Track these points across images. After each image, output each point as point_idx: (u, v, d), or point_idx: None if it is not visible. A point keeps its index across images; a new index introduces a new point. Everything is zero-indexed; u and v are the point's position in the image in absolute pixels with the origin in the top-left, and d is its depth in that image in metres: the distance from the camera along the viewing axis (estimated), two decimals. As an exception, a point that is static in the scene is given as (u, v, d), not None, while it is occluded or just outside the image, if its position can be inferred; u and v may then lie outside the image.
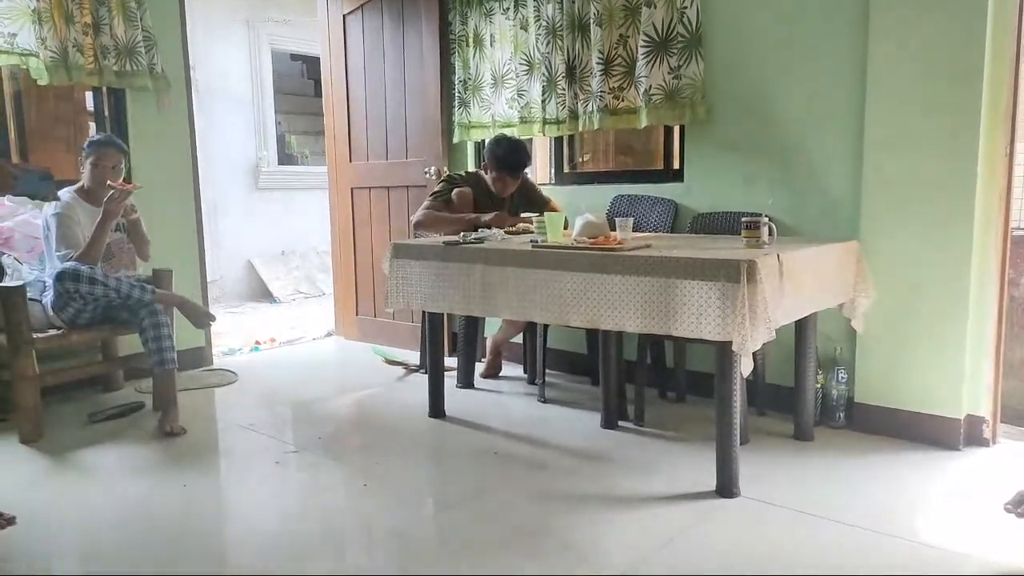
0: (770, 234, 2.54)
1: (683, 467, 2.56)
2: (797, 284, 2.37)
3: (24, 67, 3.25)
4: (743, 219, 2.51)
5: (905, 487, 2.40)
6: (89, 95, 4.16)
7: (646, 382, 3.07)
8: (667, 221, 3.37)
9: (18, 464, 2.71)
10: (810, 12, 2.92)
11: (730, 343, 2.16)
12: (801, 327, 2.75)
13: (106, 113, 3.75)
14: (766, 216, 2.54)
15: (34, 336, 2.90)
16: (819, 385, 2.91)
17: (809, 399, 2.81)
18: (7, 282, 2.95)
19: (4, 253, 3.17)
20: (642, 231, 3.29)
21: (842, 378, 2.90)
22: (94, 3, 3.42)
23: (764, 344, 2.21)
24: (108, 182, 3.02)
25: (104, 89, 3.67)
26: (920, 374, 2.74)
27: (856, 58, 2.80)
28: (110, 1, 3.45)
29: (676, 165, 3.48)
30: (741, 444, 2.43)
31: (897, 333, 2.77)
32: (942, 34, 2.57)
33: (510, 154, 3.40)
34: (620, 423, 3.01)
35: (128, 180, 3.40)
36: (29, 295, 2.93)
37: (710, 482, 2.36)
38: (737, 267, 2.14)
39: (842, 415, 2.92)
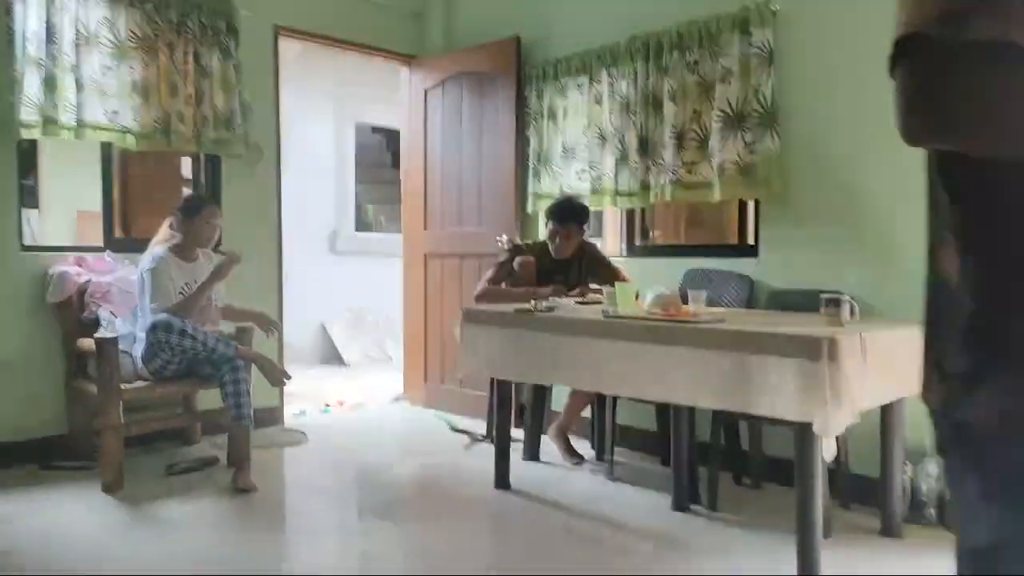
0: (852, 313, 2.46)
1: (760, 558, 2.43)
2: (881, 366, 2.28)
3: (123, 143, 3.50)
4: (823, 296, 2.44)
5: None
6: (187, 162, 4.45)
7: (720, 465, 2.97)
8: (742, 297, 3.31)
9: (99, 512, 2.80)
10: (890, 86, 2.88)
11: (810, 424, 2.08)
12: (887, 413, 2.62)
13: (202, 179, 3.98)
14: (848, 295, 2.46)
15: (122, 386, 3.02)
16: (908, 477, 2.75)
17: (896, 492, 2.64)
18: (102, 333, 3.10)
19: (101, 307, 3.35)
20: (716, 306, 3.24)
21: (932, 471, 2.73)
22: (197, 76, 3.68)
23: (847, 429, 2.12)
24: (221, 248, 3.20)
25: (201, 156, 3.91)
26: (1019, 469, 2.55)
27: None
28: (212, 74, 3.72)
29: (751, 240, 3.45)
30: (824, 537, 2.30)
31: (992, 423, 2.61)
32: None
33: (559, 204, 3.44)
34: (692, 506, 2.89)
35: (217, 243, 3.59)
36: (121, 347, 3.07)
37: (791, 572, 2.23)
38: (818, 344, 2.07)
39: (933, 511, 2.73)
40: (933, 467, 2.73)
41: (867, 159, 2.97)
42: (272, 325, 3.42)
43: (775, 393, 2.15)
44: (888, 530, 2.64)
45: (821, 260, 3.10)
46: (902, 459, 2.67)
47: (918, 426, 2.77)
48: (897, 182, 2.89)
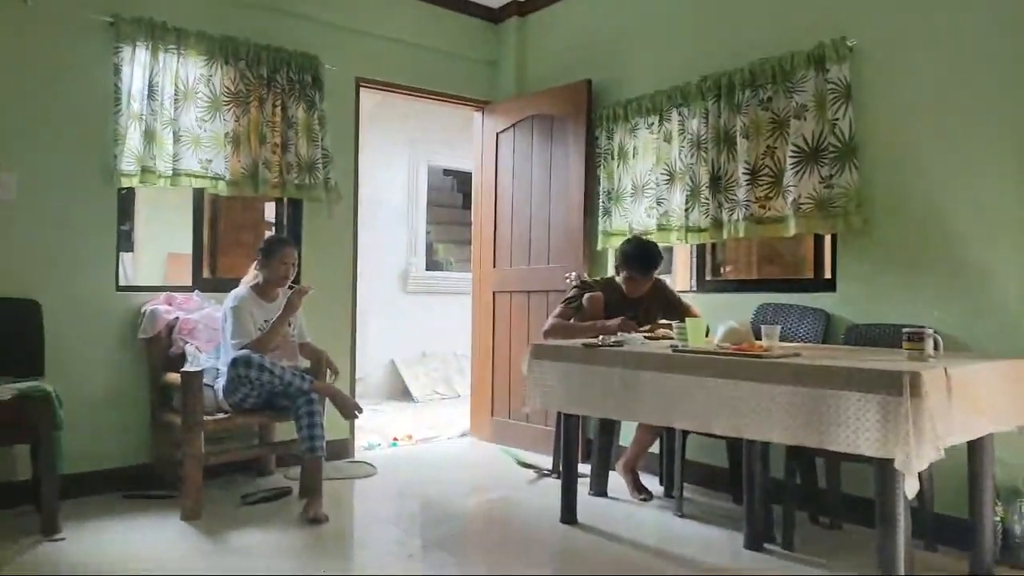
0: (936, 347, 2.37)
1: (840, 600, 2.33)
2: (968, 401, 2.18)
3: (214, 190, 3.73)
4: (905, 330, 2.37)
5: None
6: (270, 206, 4.68)
7: (796, 502, 2.87)
8: (818, 332, 3.23)
9: (178, 539, 2.90)
10: (974, 118, 2.82)
11: (892, 460, 2.00)
12: (975, 451, 2.49)
13: (284, 221, 4.18)
14: (931, 329, 2.38)
15: (204, 418, 3.16)
16: (999, 519, 2.59)
17: (987, 534, 2.49)
18: (187, 367, 3.27)
19: (188, 342, 3.53)
20: (790, 341, 3.16)
21: (1027, 513, 2.58)
22: (283, 125, 3.90)
23: (932, 466, 2.03)
24: (288, 282, 3.35)
25: (284, 200, 4.12)
26: None
27: (1026, 165, 2.66)
28: (297, 124, 3.93)
29: (827, 274, 3.37)
30: (907, 579, 2.19)
31: (1094, 465, 2.45)
32: None
33: (637, 251, 3.43)
34: (766, 545, 2.80)
35: (297, 281, 3.75)
36: (204, 381, 3.22)
37: (872, 619, 2.13)
38: (900, 378, 2.00)
39: (1029, 556, 2.57)
40: (1029, 510, 2.57)
41: (949, 192, 2.89)
42: (329, 367, 3.53)
43: (854, 428, 2.08)
44: (978, 573, 2.48)
45: (903, 295, 3.01)
46: (992, 498, 2.52)
47: (1009, 464, 2.64)
48: (981, 216, 2.80)
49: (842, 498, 3.02)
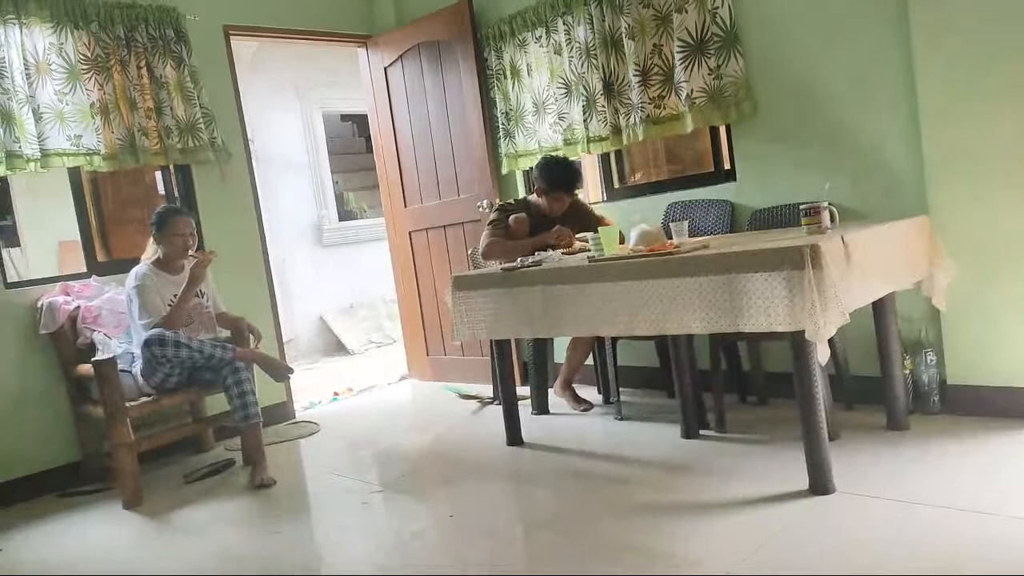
0: (832, 220, 2.46)
1: (773, 469, 2.47)
2: (866, 265, 2.29)
3: (90, 167, 3.48)
4: (801, 207, 2.45)
5: (1016, 466, 2.25)
6: (159, 177, 4.43)
7: (724, 388, 3.00)
8: (725, 222, 3.32)
9: (123, 528, 2.84)
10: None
11: (803, 332, 2.10)
12: (879, 311, 2.64)
13: (175, 190, 3.97)
14: (826, 202, 2.47)
15: (127, 404, 3.05)
16: (908, 371, 2.78)
17: (899, 386, 2.68)
18: (99, 356, 3.12)
19: (95, 331, 3.36)
20: (700, 235, 3.24)
21: (931, 361, 2.77)
22: (153, 87, 3.65)
23: (843, 333, 2.14)
24: (190, 252, 3.20)
25: (171, 168, 3.89)
26: (1014, 347, 2.59)
27: (898, 27, 2.73)
28: (168, 84, 3.68)
29: (727, 165, 3.44)
30: (831, 440, 2.35)
31: (984, 307, 2.64)
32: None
33: (563, 172, 3.42)
34: (702, 432, 2.93)
35: (201, 249, 3.59)
36: (120, 367, 3.09)
37: (804, 482, 2.26)
38: (800, 253, 2.08)
39: (936, 400, 2.78)
40: (931, 357, 2.76)
41: (825, 63, 2.96)
42: (252, 332, 3.43)
43: (766, 308, 2.17)
44: (894, 424, 2.68)
45: (797, 174, 3.11)
46: (899, 353, 2.69)
47: (911, 320, 2.81)
48: (861, 84, 2.88)
49: (765, 376, 3.18)
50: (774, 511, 2.16)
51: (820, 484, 2.22)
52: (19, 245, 4.94)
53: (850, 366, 2.93)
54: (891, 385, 2.68)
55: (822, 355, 2.14)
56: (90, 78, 3.46)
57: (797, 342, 2.17)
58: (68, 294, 3.44)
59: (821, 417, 2.21)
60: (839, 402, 2.89)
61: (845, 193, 2.95)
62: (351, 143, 8.24)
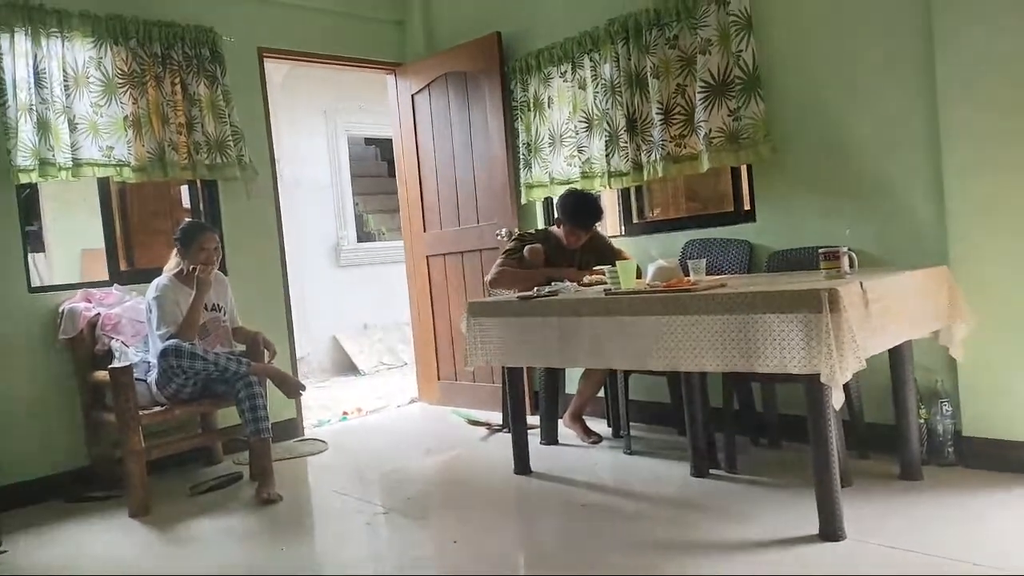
0: (851, 264, 2.47)
1: (784, 513, 2.45)
2: (885, 312, 2.29)
3: (119, 178, 3.55)
4: (820, 251, 2.46)
5: (1031, 523, 2.22)
6: (184, 191, 4.51)
7: (736, 428, 2.98)
8: (743, 262, 3.32)
9: (129, 537, 2.84)
10: (869, 39, 2.91)
11: (818, 375, 2.09)
12: (896, 359, 2.63)
13: (201, 205, 4.03)
14: (845, 247, 2.47)
15: (140, 413, 3.07)
16: (923, 421, 2.75)
17: (913, 436, 2.65)
18: (115, 364, 3.15)
19: (113, 338, 3.40)
20: (718, 273, 3.25)
21: (947, 411, 2.74)
22: (186, 104, 3.74)
23: (859, 379, 2.13)
24: (191, 265, 3.24)
25: (198, 183, 3.96)
26: (1033, 401, 2.56)
27: (924, 79, 2.75)
28: (200, 101, 3.77)
29: (747, 206, 3.46)
30: (844, 487, 2.32)
31: (1002, 359, 2.62)
32: (1016, 40, 2.50)
33: (582, 207, 3.45)
34: (711, 471, 2.91)
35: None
36: (135, 375, 3.12)
37: (814, 527, 2.24)
38: (818, 296, 2.09)
39: (951, 451, 2.74)
40: (947, 407, 2.73)
41: (850, 111, 2.98)
42: (266, 347, 3.46)
43: (781, 349, 2.17)
44: (908, 474, 2.64)
45: (817, 218, 3.12)
46: (915, 402, 2.67)
47: (928, 369, 2.79)
48: (885, 133, 2.90)
49: (779, 418, 3.15)
50: (783, 555, 2.14)
51: (831, 530, 2.20)
52: (43, 251, 5.03)
53: (864, 413, 2.90)
54: (905, 434, 2.65)
55: (837, 400, 2.13)
56: (125, 92, 3.55)
57: (812, 385, 2.17)
58: (89, 301, 3.49)
59: (834, 463, 2.19)
60: (852, 449, 2.86)
61: (865, 239, 2.95)
62: (374, 166, 8.35)
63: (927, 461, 2.74)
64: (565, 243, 3.51)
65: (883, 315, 2.28)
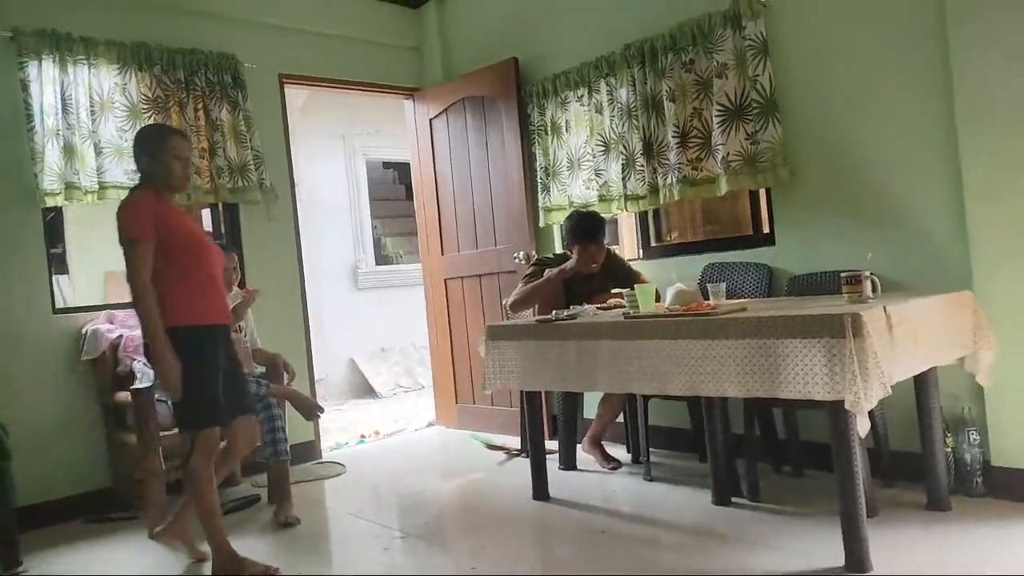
0: (874, 289, 2.44)
1: (808, 543, 2.40)
2: (909, 338, 2.25)
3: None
4: (843, 275, 2.43)
5: (1064, 555, 2.16)
6: (206, 214, 4.56)
7: (758, 455, 2.94)
8: (762, 286, 3.30)
9: (147, 558, 2.84)
10: (885, 63, 2.90)
11: (842, 402, 2.06)
12: (921, 386, 2.58)
13: (222, 227, 4.08)
14: (868, 271, 2.44)
15: (161, 434, 3.08)
16: (950, 449, 2.70)
17: (940, 465, 2.59)
18: (137, 385, 3.17)
19: (135, 360, 3.43)
20: (737, 297, 3.22)
21: (974, 440, 2.68)
22: (209, 129, 3.80)
23: (884, 406, 2.09)
24: (235, 288, 3.27)
25: (220, 206, 4.01)
26: (1064, 429, 2.50)
27: (942, 103, 2.73)
28: (223, 126, 3.83)
29: (766, 229, 3.44)
30: (869, 517, 2.26)
31: (1030, 386, 2.56)
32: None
33: (580, 223, 3.46)
34: (733, 499, 2.86)
35: (242, 285, 3.67)
36: (157, 396, 3.14)
37: (839, 558, 2.19)
38: (841, 321, 2.06)
39: (980, 482, 2.68)
40: (975, 436, 2.67)
41: (869, 136, 2.96)
42: (285, 369, 3.47)
43: (804, 375, 2.13)
44: (935, 504, 2.58)
45: (837, 241, 3.09)
46: (941, 430, 2.62)
47: (954, 396, 2.74)
48: (904, 156, 2.88)
49: (801, 445, 3.10)
50: (807, 586, 2.09)
51: (856, 561, 2.15)
52: (67, 273, 5.10)
53: (890, 441, 2.85)
54: (932, 463, 2.59)
55: (862, 427, 2.09)
56: (150, 117, 3.61)
57: (836, 412, 2.13)
58: (112, 322, 3.53)
59: (860, 492, 2.15)
60: (876, 478, 2.80)
61: (888, 264, 2.91)
62: (391, 190, 8.42)
63: (955, 491, 2.68)
64: (582, 269, 3.48)
65: (907, 340, 2.25)
